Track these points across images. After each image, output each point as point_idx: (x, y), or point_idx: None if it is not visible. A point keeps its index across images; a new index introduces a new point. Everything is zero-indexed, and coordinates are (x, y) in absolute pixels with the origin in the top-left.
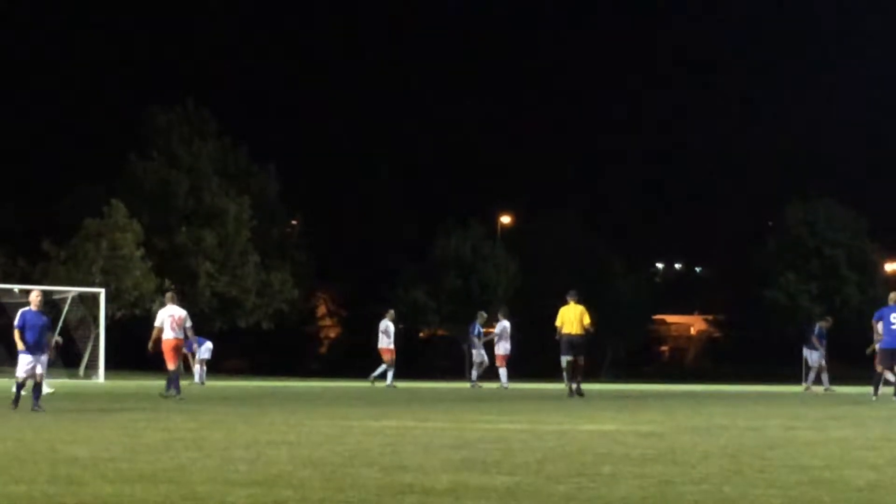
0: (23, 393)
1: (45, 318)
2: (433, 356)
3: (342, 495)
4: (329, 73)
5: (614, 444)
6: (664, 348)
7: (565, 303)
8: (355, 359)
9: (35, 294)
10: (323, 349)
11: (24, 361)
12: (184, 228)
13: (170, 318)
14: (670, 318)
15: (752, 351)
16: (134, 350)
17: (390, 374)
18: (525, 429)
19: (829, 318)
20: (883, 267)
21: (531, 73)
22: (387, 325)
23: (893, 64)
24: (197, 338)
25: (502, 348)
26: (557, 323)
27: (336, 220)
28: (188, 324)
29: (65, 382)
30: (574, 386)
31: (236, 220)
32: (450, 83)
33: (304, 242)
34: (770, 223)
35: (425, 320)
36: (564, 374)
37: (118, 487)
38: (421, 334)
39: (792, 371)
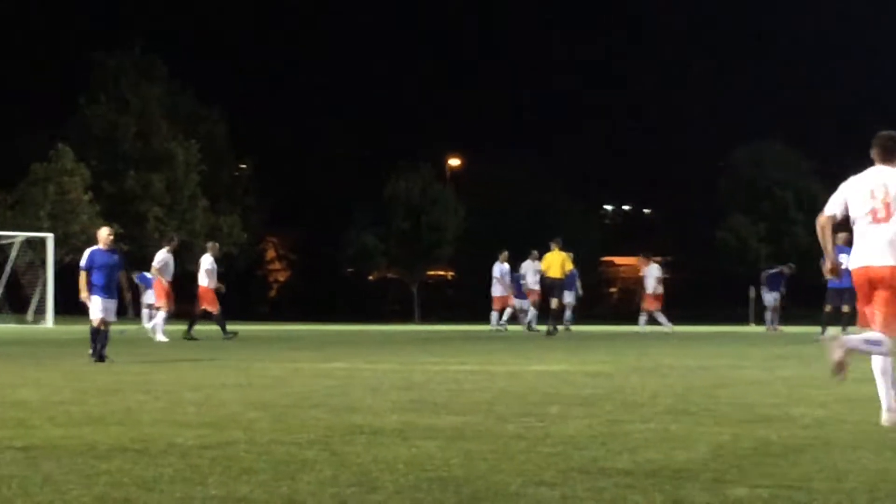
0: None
1: (115, 257)
2: (382, 299)
3: (291, 437)
4: (277, 17)
5: (563, 384)
6: (613, 290)
7: (549, 249)
8: (303, 302)
9: (105, 231)
10: (272, 293)
11: (95, 305)
12: (132, 172)
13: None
14: (619, 260)
15: (702, 292)
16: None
17: (505, 316)
18: (474, 370)
19: (792, 266)
20: None
21: (481, 14)
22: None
23: (837, 3)
24: (143, 276)
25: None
26: (542, 267)
27: (285, 163)
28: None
29: (13, 327)
30: (552, 326)
31: (185, 164)
32: (399, 25)
33: (253, 186)
34: (720, 164)
35: (375, 263)
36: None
37: (67, 430)
38: (370, 277)
39: (741, 311)
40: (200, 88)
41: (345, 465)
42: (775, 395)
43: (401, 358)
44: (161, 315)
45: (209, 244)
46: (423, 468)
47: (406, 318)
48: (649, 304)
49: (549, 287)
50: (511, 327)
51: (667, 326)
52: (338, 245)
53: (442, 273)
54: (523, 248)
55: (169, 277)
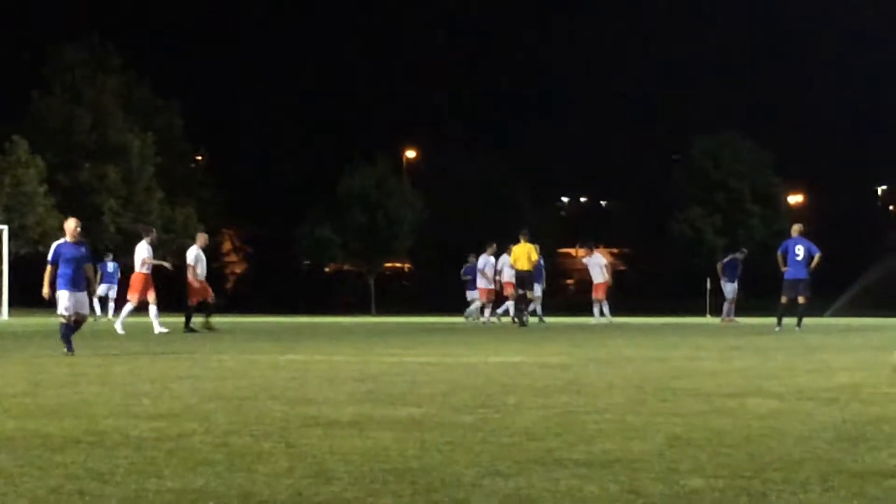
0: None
1: (83, 250)
2: (339, 291)
3: (247, 428)
4: (234, 9)
5: (520, 375)
6: (570, 282)
7: (517, 241)
8: (260, 294)
9: (72, 223)
10: (229, 285)
11: (63, 300)
12: (87, 165)
13: (202, 259)
14: (577, 252)
15: (658, 284)
16: (38, 287)
17: (487, 311)
18: (431, 362)
19: (744, 250)
20: (786, 200)
21: (436, 7)
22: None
23: None
24: (105, 265)
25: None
26: (510, 260)
27: (241, 155)
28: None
29: None
30: (522, 317)
31: (140, 156)
32: (355, 19)
33: (209, 178)
34: (676, 156)
35: (331, 256)
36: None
37: (22, 422)
38: (326, 269)
39: (698, 303)
40: (157, 80)
41: (301, 456)
42: (730, 385)
43: (357, 350)
44: (128, 308)
45: (198, 234)
46: (378, 459)
47: (363, 310)
48: (597, 293)
49: (518, 279)
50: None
51: (604, 318)
52: (294, 237)
53: (399, 265)
54: (481, 240)
55: (148, 270)
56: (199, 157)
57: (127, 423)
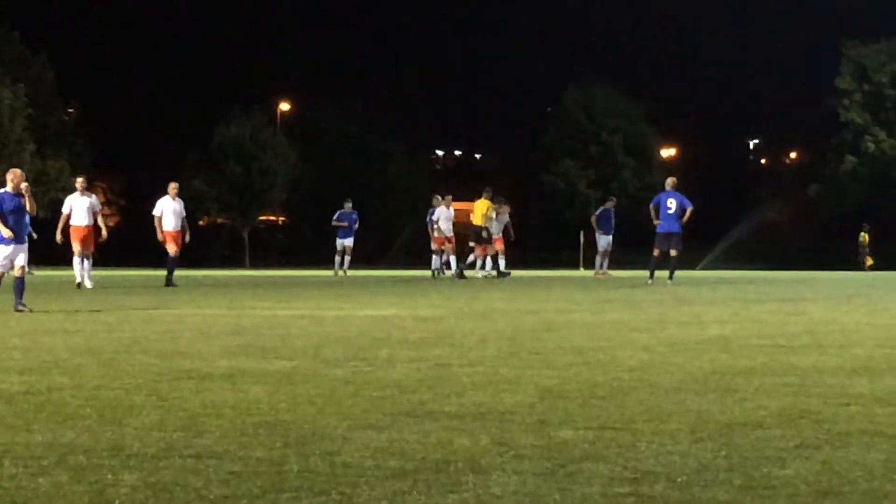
0: None
1: (22, 201)
2: (213, 244)
3: (118, 382)
4: None
5: (393, 328)
6: None
7: (479, 196)
8: (133, 247)
9: (19, 173)
10: (101, 238)
11: (1, 253)
12: None
13: (171, 209)
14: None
15: (532, 236)
16: None
17: (453, 261)
18: (303, 315)
19: (612, 198)
20: (659, 152)
21: None
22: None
23: None
24: None
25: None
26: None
27: (114, 108)
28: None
29: None
30: (472, 270)
31: (11, 109)
32: None
33: (81, 131)
34: (549, 109)
35: (205, 208)
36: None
37: None
38: (200, 222)
39: (571, 256)
40: (26, 32)
41: (172, 410)
42: (602, 338)
43: (230, 303)
44: (76, 260)
45: (170, 185)
46: (250, 413)
47: (237, 263)
48: (497, 245)
49: (473, 233)
50: (349, 272)
51: (487, 271)
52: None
53: (273, 218)
54: (353, 193)
55: (86, 221)
56: (72, 110)
57: None
